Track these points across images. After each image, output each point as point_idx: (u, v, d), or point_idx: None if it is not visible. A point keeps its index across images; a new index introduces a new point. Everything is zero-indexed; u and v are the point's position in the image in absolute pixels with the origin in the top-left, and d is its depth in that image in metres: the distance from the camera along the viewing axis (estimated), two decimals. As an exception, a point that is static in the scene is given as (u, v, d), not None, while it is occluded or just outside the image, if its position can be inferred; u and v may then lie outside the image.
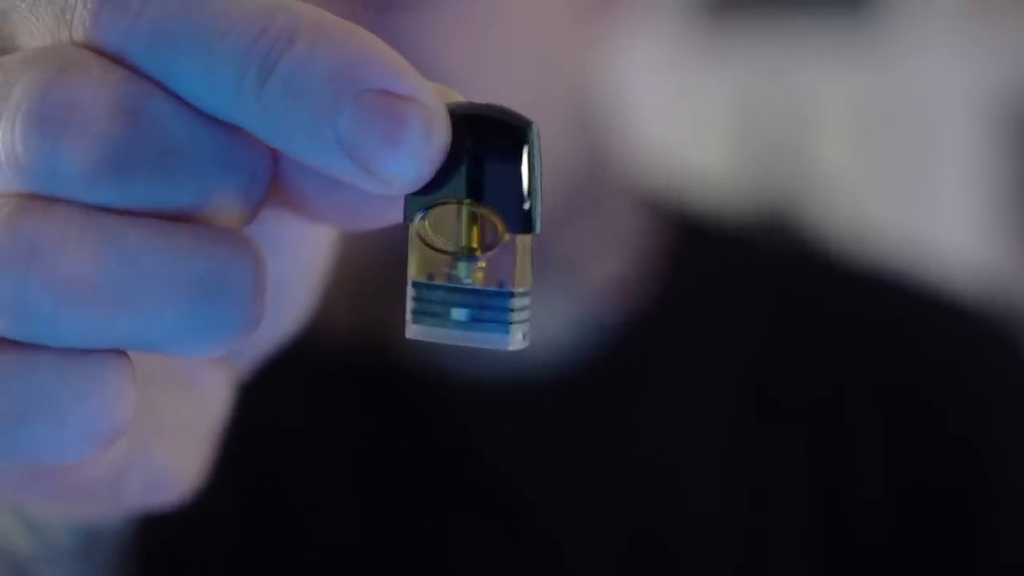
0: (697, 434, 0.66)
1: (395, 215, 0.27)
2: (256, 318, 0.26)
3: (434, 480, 0.65)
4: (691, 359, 0.67)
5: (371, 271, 0.66)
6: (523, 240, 0.26)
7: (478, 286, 0.26)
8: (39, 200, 0.24)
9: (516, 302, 0.26)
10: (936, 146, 2.00)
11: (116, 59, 0.25)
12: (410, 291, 0.26)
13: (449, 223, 0.26)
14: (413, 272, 0.26)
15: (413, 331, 0.26)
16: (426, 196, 0.25)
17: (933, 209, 2.00)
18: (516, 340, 0.26)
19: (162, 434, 0.30)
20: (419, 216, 0.26)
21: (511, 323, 0.26)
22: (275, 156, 0.26)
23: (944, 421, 0.66)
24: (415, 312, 0.26)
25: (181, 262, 0.25)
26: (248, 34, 0.24)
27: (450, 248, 0.26)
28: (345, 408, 0.66)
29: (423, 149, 0.24)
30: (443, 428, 0.66)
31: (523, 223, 0.25)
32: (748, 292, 0.69)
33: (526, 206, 0.25)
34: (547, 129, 0.68)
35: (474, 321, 0.26)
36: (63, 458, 0.25)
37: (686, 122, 2.00)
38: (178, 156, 0.25)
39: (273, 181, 0.27)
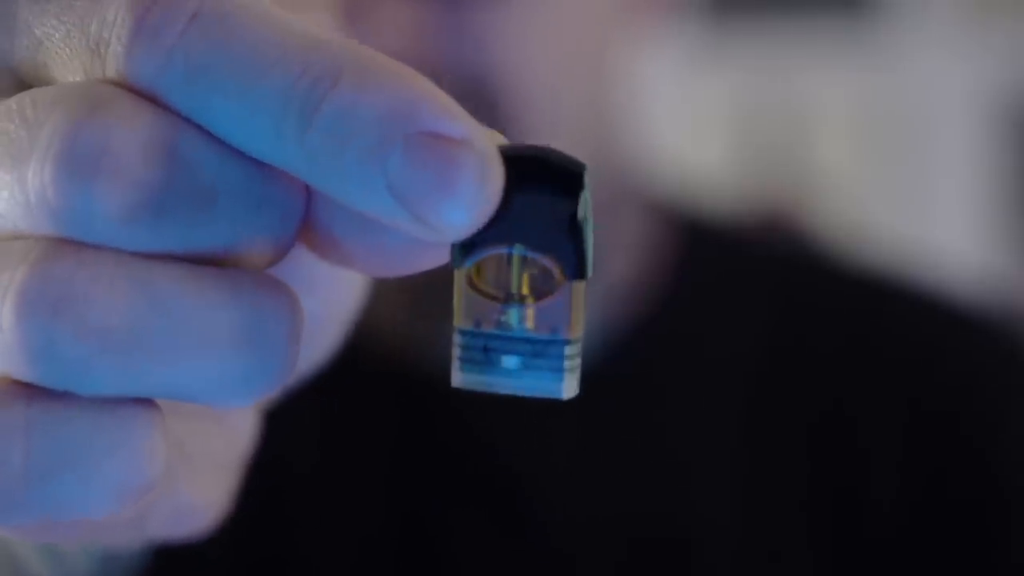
0: (705, 438, 0.65)
1: (431, 262, 0.26)
2: (291, 366, 0.25)
3: (442, 484, 0.65)
4: (697, 363, 0.67)
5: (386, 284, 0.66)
6: (578, 286, 0.25)
7: (531, 334, 0.25)
8: (69, 244, 0.24)
9: (570, 349, 0.25)
10: (936, 146, 2.00)
11: (150, 96, 0.24)
12: (457, 338, 0.25)
13: (498, 269, 0.25)
14: (460, 319, 0.25)
15: (460, 379, 0.25)
16: (475, 242, 0.24)
17: (933, 209, 2.00)
18: (570, 388, 0.25)
19: (188, 467, 0.29)
20: (468, 263, 0.25)
21: (564, 371, 0.25)
22: (310, 197, 0.26)
23: (949, 424, 0.66)
24: (462, 360, 0.25)
25: (216, 310, 0.24)
26: (289, 73, 0.23)
27: (500, 295, 0.25)
28: (353, 411, 0.66)
29: (477, 195, 0.23)
30: (450, 431, 0.65)
31: (578, 269, 0.25)
32: (754, 296, 0.69)
33: (582, 252, 0.25)
34: (579, 129, 0.67)
35: (526, 369, 0.25)
36: (90, 513, 0.24)
37: (686, 122, 2.00)
38: (212, 197, 0.24)
39: (306, 224, 0.26)
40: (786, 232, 0.70)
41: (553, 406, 0.68)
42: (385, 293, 0.66)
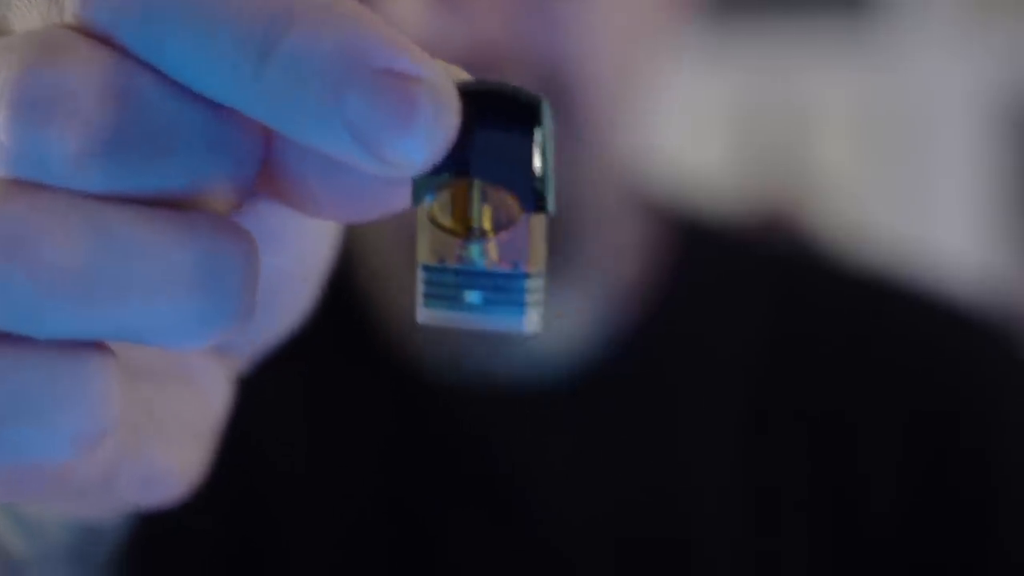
0: (704, 438, 0.65)
1: (396, 204, 0.26)
2: (248, 309, 0.25)
3: (439, 484, 0.65)
4: (696, 363, 0.67)
5: (381, 270, 0.66)
6: (538, 219, 0.25)
7: (493, 268, 0.25)
8: (24, 186, 0.24)
9: (531, 283, 0.25)
10: (936, 146, 2.00)
11: (106, 40, 0.24)
12: (420, 274, 0.25)
13: (459, 204, 0.25)
14: (423, 255, 0.25)
15: (424, 315, 0.25)
16: (434, 177, 0.25)
17: (933, 209, 2.00)
18: (531, 322, 0.25)
19: (158, 431, 0.29)
20: (428, 198, 0.25)
21: (526, 304, 0.25)
22: (268, 142, 0.26)
23: (948, 425, 0.66)
24: (426, 296, 0.25)
25: (170, 250, 0.24)
26: (245, 14, 0.23)
27: (462, 230, 0.25)
28: (346, 406, 0.66)
29: (434, 130, 0.23)
30: (451, 432, 0.65)
31: (537, 202, 0.25)
32: (753, 297, 0.69)
33: (540, 185, 0.24)
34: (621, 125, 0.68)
35: (488, 303, 0.25)
36: (48, 459, 0.25)
37: (686, 122, 2.00)
38: (168, 139, 0.24)
39: (268, 170, 0.26)
40: (786, 232, 0.70)
41: (555, 406, 0.68)
42: (381, 287, 0.66)
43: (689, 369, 0.67)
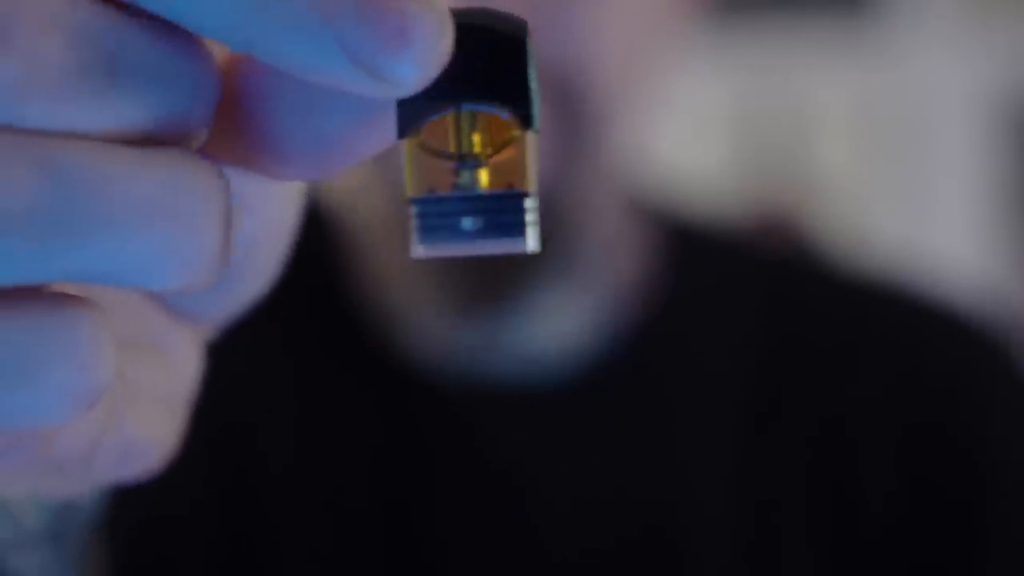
0: (700, 441, 0.65)
1: (372, 147, 0.25)
2: (223, 248, 0.24)
3: (434, 483, 0.65)
4: (693, 367, 0.67)
5: (374, 268, 0.66)
6: (531, 138, 0.24)
7: (488, 191, 0.24)
8: None
9: (529, 202, 0.24)
10: (936, 146, 2.00)
11: None
12: (413, 209, 0.24)
13: (445, 132, 0.24)
14: (412, 188, 0.25)
15: (420, 250, 0.25)
16: (421, 104, 0.24)
17: (932, 210, 1.99)
18: (532, 240, 0.24)
19: (133, 402, 0.29)
20: (420, 125, 0.24)
21: (526, 224, 0.24)
22: (232, 89, 0.25)
23: (944, 428, 0.66)
24: (421, 229, 0.24)
25: (131, 184, 0.23)
26: None
27: (452, 157, 0.24)
28: (346, 408, 0.66)
29: (433, 47, 0.22)
30: (445, 431, 0.65)
31: (528, 121, 0.24)
32: (749, 300, 0.69)
33: (529, 104, 0.24)
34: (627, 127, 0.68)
35: (487, 228, 0.24)
36: (45, 421, 0.24)
37: (686, 123, 1.99)
38: (114, 71, 0.23)
39: (229, 129, 0.25)
40: (783, 235, 0.70)
41: (552, 408, 0.68)
42: (376, 285, 0.66)
43: (685, 371, 0.67)
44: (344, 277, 0.67)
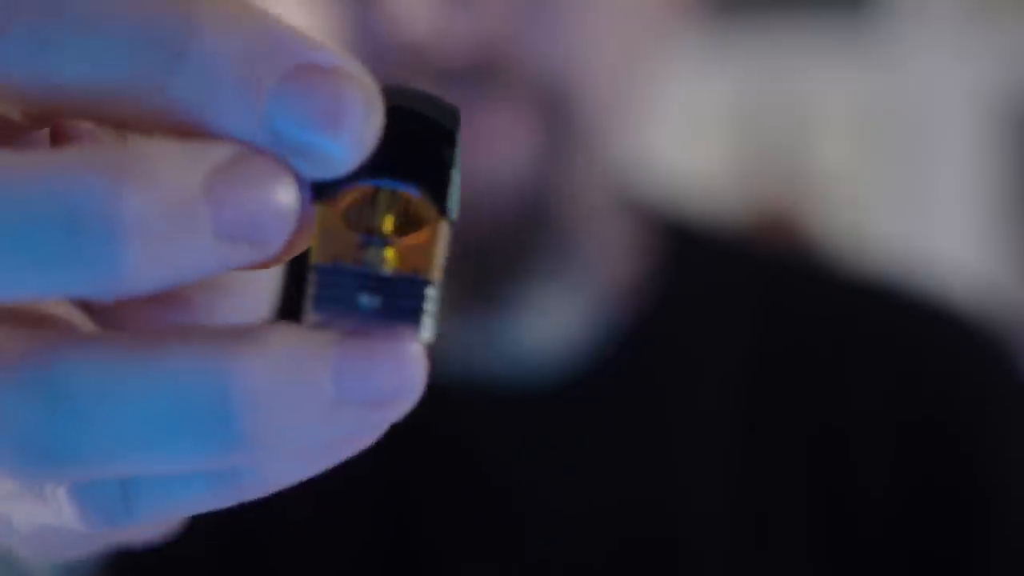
0: (696, 442, 0.65)
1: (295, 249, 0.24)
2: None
3: (428, 484, 0.65)
4: (688, 368, 0.67)
5: None
6: (444, 226, 0.24)
7: (392, 273, 0.24)
8: None
9: (430, 291, 0.24)
10: (936, 146, 2.00)
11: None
12: (313, 276, 0.24)
13: (360, 207, 0.24)
14: (317, 255, 0.24)
15: (313, 319, 0.24)
16: (345, 180, 0.23)
17: (932, 210, 2.00)
18: (426, 332, 0.24)
19: None
20: (335, 195, 0.24)
21: (424, 312, 0.24)
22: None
23: (943, 430, 0.66)
24: (317, 297, 0.24)
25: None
26: (147, 21, 0.21)
27: (361, 232, 0.24)
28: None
29: (364, 128, 0.22)
30: (438, 433, 0.65)
31: (443, 210, 0.24)
32: (745, 301, 0.69)
33: (447, 193, 0.24)
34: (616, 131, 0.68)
35: (384, 309, 0.24)
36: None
37: (685, 123, 1.99)
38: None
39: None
40: (782, 235, 0.70)
41: (546, 407, 0.67)
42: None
43: (681, 371, 0.67)
44: None
